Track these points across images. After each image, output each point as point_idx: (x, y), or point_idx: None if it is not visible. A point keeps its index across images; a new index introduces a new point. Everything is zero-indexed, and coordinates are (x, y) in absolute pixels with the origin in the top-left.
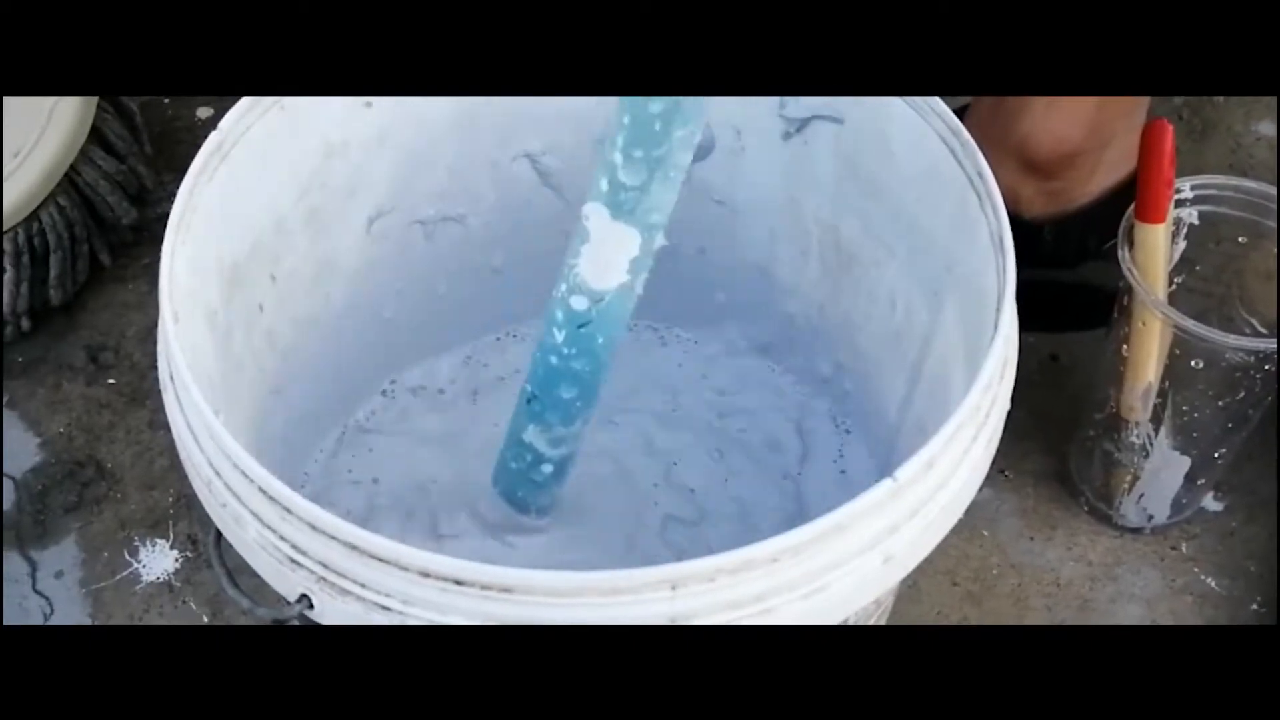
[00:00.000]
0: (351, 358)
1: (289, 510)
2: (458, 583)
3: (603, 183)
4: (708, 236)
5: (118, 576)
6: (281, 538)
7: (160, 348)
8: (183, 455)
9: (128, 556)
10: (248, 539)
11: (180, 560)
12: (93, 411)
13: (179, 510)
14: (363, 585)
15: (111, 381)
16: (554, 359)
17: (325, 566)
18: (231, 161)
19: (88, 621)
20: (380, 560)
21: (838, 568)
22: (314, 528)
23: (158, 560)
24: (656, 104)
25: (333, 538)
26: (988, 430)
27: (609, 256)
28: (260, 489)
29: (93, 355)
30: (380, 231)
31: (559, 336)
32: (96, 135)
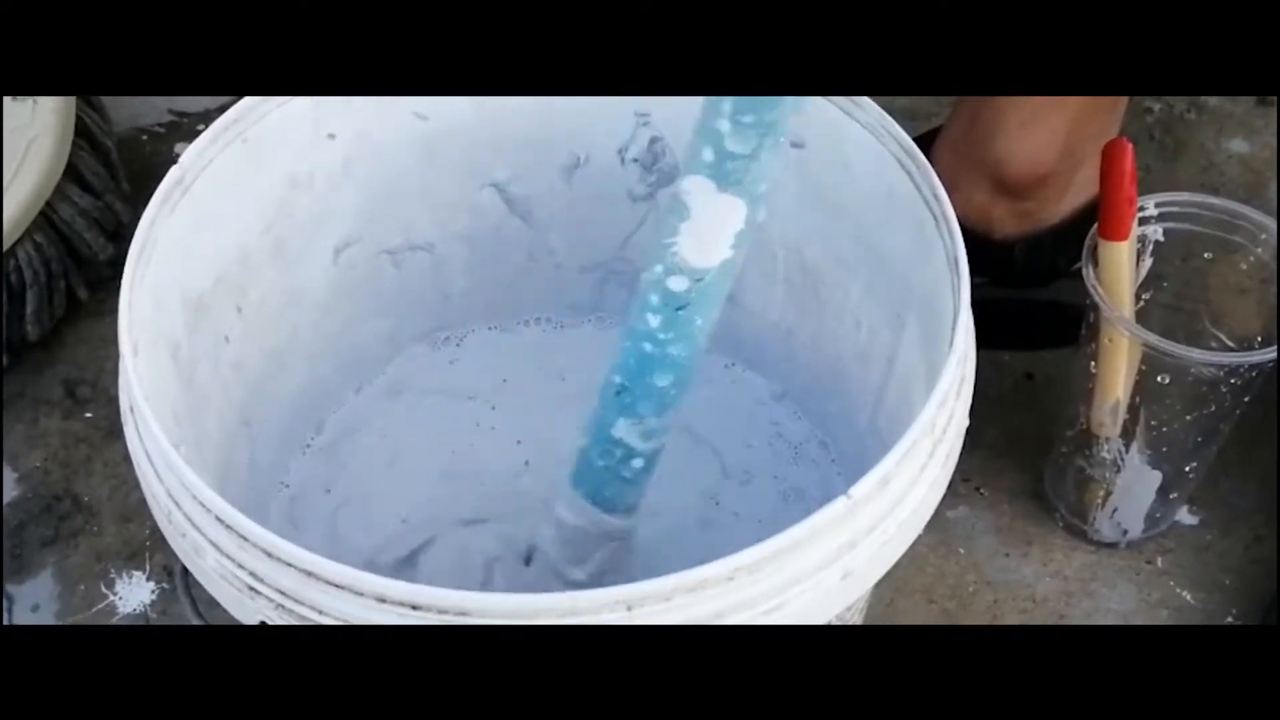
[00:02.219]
0: (321, 386)
1: (245, 538)
2: (414, 607)
3: (706, 153)
4: None
5: (94, 609)
6: (239, 565)
7: (121, 381)
8: (144, 487)
9: (104, 589)
10: (207, 568)
11: (156, 591)
12: (70, 446)
13: (155, 542)
14: (320, 611)
15: (89, 415)
16: (649, 346)
17: (282, 594)
18: (193, 194)
19: None
20: (336, 586)
21: (795, 585)
22: (270, 555)
23: (134, 592)
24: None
25: (289, 565)
26: (945, 446)
27: (713, 231)
28: (217, 518)
29: (70, 390)
30: (348, 261)
31: (654, 322)
32: (72, 172)
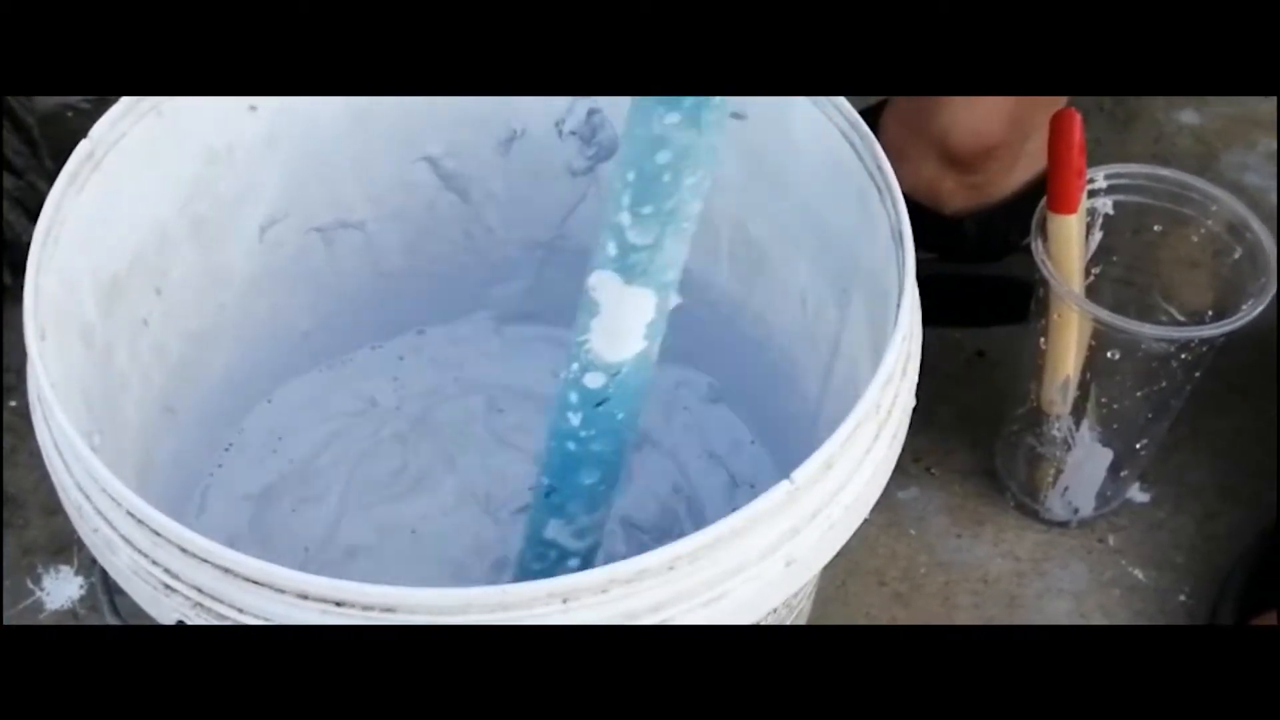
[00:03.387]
0: (249, 370)
1: (159, 534)
2: (338, 604)
3: (610, 248)
4: None
5: (21, 605)
6: (154, 562)
7: (29, 368)
8: (54, 479)
9: (30, 584)
10: (121, 565)
11: (85, 586)
12: None
13: None
14: (240, 610)
15: (13, 404)
16: (571, 445)
17: (200, 591)
18: (105, 170)
19: None
20: (255, 583)
21: (738, 574)
22: (185, 551)
23: (61, 587)
24: (664, 153)
25: (205, 560)
26: (890, 428)
27: (624, 325)
28: (128, 512)
29: None
30: (275, 240)
31: (574, 420)
32: None
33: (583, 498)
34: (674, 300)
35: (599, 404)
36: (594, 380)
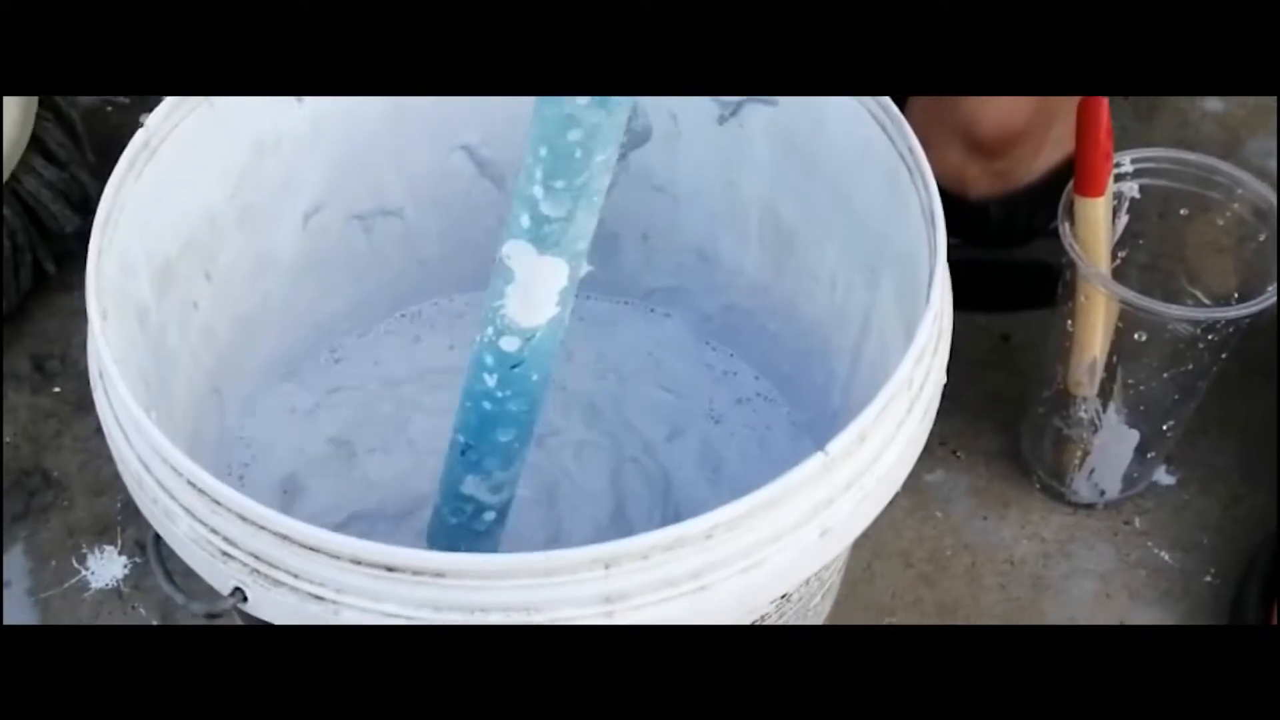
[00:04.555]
0: (294, 355)
1: (218, 502)
2: (389, 569)
3: (523, 219)
4: (649, 222)
5: (66, 584)
6: (213, 530)
7: (90, 346)
8: (114, 452)
9: (76, 564)
10: (179, 534)
11: (129, 566)
12: (39, 420)
13: (127, 516)
14: (295, 575)
15: (57, 390)
16: (487, 405)
17: (256, 558)
18: (159, 159)
19: None
20: (311, 549)
21: (773, 542)
22: (243, 519)
23: (106, 567)
24: (575, 132)
25: (262, 528)
26: (922, 403)
27: (538, 292)
28: (189, 482)
29: (38, 364)
30: (318, 227)
31: (490, 381)
32: (37, 144)
33: (499, 454)
34: (585, 268)
35: (514, 366)
36: (509, 344)
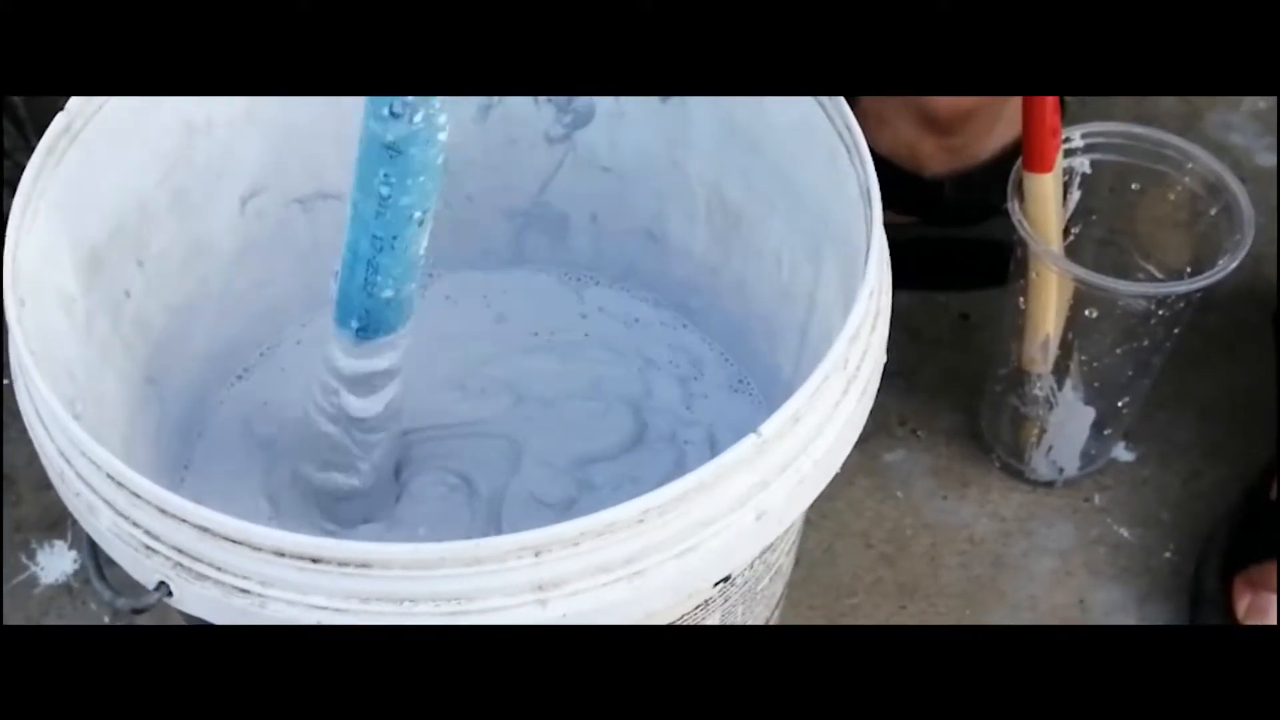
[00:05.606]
0: (234, 344)
1: (138, 495)
2: (314, 560)
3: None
4: (598, 203)
5: (15, 580)
6: (135, 524)
7: (9, 336)
8: (37, 447)
9: (25, 559)
10: (102, 528)
11: (79, 561)
12: None
13: None
14: (219, 569)
15: (7, 382)
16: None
17: (180, 551)
18: (83, 142)
19: None
20: (233, 542)
21: (708, 526)
22: (164, 512)
23: (55, 562)
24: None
25: (183, 521)
26: (859, 383)
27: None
28: (108, 474)
29: None
30: (256, 211)
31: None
32: None
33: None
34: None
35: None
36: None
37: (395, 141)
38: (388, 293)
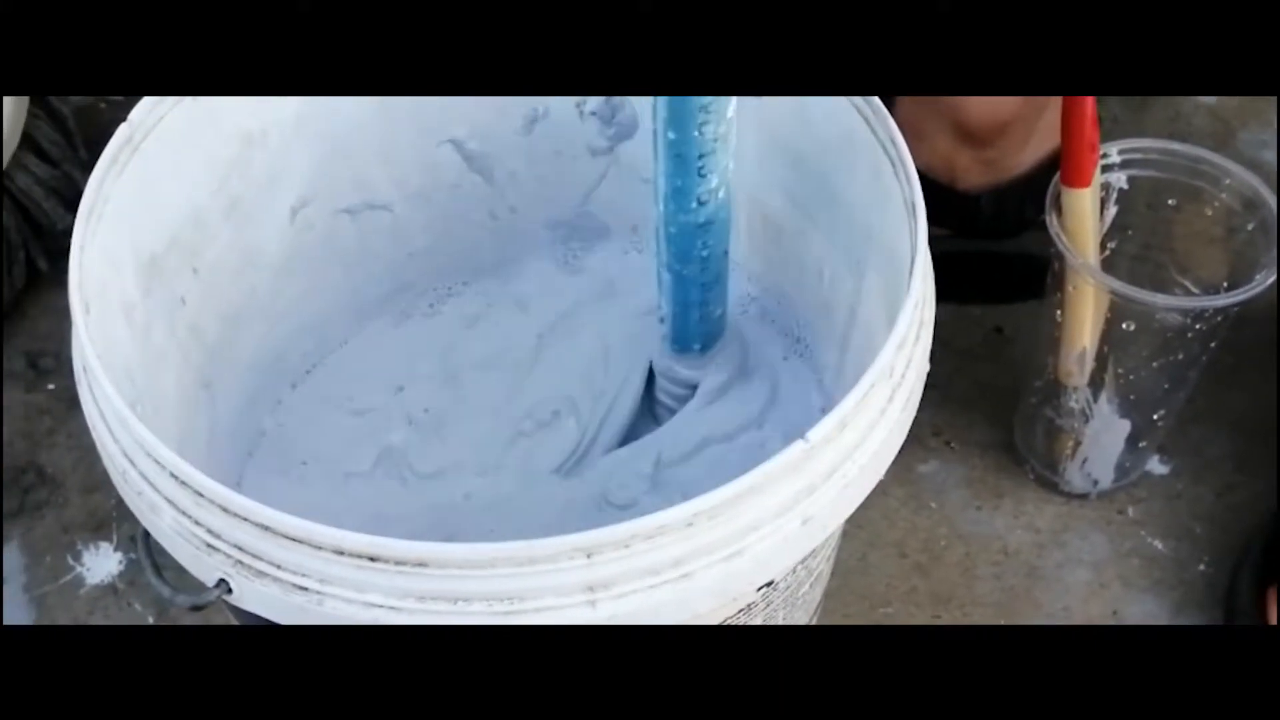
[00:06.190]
0: (283, 351)
1: (201, 495)
2: (372, 559)
3: None
4: (639, 215)
5: (61, 580)
6: (196, 522)
7: (74, 341)
8: (99, 446)
9: (71, 560)
10: (164, 527)
11: (124, 562)
12: (33, 418)
13: (122, 512)
14: (278, 566)
15: (51, 387)
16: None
17: (240, 549)
18: (143, 153)
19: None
20: (294, 540)
21: (755, 530)
22: (227, 510)
23: (101, 563)
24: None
25: (245, 519)
26: (904, 391)
27: None
28: (172, 474)
29: (32, 361)
30: (305, 221)
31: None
32: (29, 141)
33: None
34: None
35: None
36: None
37: (704, 223)
38: (718, 311)
